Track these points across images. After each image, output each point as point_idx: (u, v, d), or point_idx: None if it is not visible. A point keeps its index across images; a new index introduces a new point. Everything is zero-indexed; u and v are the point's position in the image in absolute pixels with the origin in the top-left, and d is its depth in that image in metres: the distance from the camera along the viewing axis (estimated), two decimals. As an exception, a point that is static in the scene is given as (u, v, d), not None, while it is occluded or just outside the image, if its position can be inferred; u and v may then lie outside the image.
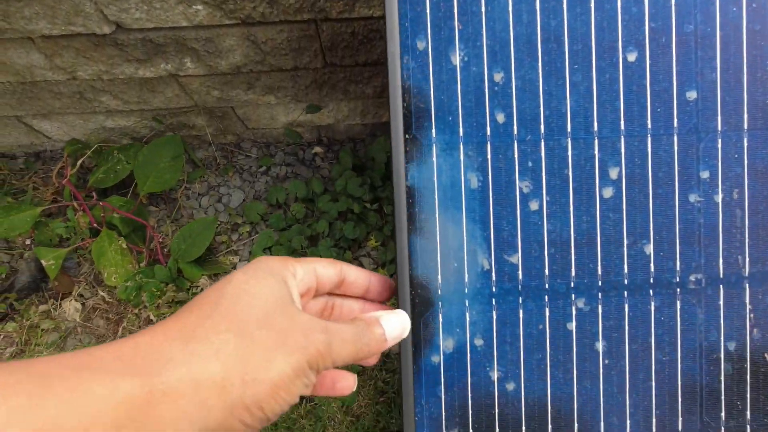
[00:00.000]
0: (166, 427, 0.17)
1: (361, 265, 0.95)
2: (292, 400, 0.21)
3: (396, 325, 0.26)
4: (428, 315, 0.33)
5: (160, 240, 0.91)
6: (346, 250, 0.91)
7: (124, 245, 0.84)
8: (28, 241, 0.98)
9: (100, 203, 0.88)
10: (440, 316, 0.33)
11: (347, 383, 0.27)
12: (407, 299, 0.32)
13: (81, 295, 0.89)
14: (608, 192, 0.32)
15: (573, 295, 0.33)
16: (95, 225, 0.88)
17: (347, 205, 0.92)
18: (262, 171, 1.06)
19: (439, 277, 0.33)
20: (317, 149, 1.06)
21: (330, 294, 0.29)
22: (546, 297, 0.33)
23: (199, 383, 0.18)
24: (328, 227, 0.91)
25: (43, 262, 0.80)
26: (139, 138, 1.00)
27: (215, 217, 0.91)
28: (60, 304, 0.88)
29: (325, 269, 0.27)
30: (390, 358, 0.85)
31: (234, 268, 0.94)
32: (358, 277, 0.29)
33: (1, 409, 0.14)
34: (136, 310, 0.87)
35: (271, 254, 0.94)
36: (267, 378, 0.19)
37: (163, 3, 0.64)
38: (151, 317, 0.84)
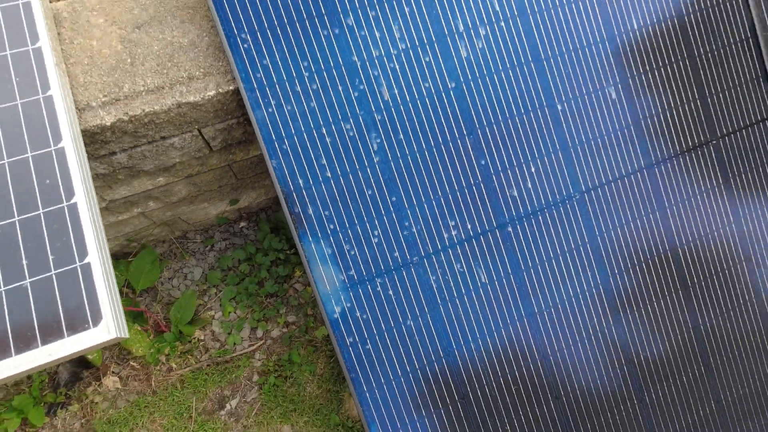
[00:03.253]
0: None
1: (294, 290, 1.47)
2: None
3: None
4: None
5: (156, 316, 1.35)
6: (284, 283, 1.43)
7: (138, 328, 1.27)
8: (52, 352, 1.34)
9: (109, 307, 1.29)
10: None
11: None
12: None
13: (113, 372, 1.30)
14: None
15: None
16: (109, 322, 1.29)
17: (275, 255, 1.44)
18: (208, 249, 1.52)
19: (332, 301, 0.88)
20: (242, 224, 1.56)
21: None
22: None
23: None
24: (267, 272, 1.42)
25: (88, 356, 1.21)
26: (114, 254, 1.40)
27: (193, 290, 1.37)
28: (101, 382, 1.29)
29: None
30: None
31: (213, 319, 1.40)
32: None
33: None
34: (158, 367, 1.31)
35: (236, 303, 1.42)
36: None
37: (140, 182, 1.10)
38: (172, 365, 1.29)
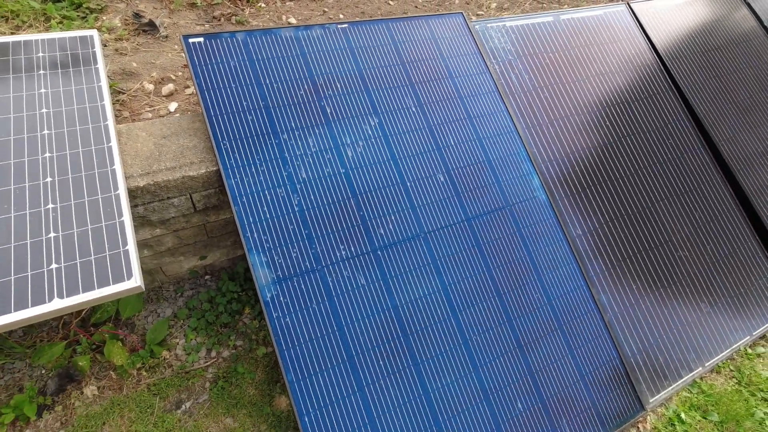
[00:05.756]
0: None
1: (243, 323, 1.95)
2: None
3: None
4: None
5: (134, 338, 1.78)
6: (236, 316, 1.92)
7: (120, 344, 1.69)
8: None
9: (99, 330, 1.72)
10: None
11: None
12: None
13: (94, 381, 1.68)
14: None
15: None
16: (95, 342, 1.71)
17: (231, 296, 1.95)
18: (179, 296, 2.01)
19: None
20: (207, 277, 2.08)
21: None
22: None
23: None
24: (224, 308, 1.92)
25: (79, 363, 1.61)
26: (105, 296, 1.87)
27: (166, 318, 1.83)
28: (82, 391, 1.65)
29: None
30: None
31: (177, 344, 1.83)
32: None
33: None
34: (129, 379, 1.70)
35: (197, 332, 1.87)
36: None
37: (143, 231, 1.66)
38: (143, 374, 1.69)
